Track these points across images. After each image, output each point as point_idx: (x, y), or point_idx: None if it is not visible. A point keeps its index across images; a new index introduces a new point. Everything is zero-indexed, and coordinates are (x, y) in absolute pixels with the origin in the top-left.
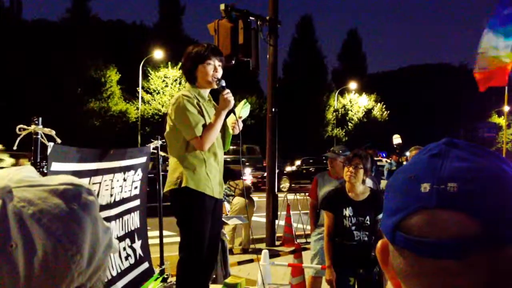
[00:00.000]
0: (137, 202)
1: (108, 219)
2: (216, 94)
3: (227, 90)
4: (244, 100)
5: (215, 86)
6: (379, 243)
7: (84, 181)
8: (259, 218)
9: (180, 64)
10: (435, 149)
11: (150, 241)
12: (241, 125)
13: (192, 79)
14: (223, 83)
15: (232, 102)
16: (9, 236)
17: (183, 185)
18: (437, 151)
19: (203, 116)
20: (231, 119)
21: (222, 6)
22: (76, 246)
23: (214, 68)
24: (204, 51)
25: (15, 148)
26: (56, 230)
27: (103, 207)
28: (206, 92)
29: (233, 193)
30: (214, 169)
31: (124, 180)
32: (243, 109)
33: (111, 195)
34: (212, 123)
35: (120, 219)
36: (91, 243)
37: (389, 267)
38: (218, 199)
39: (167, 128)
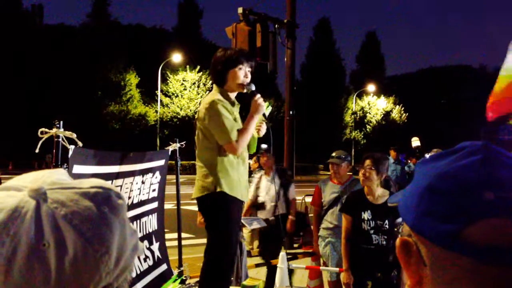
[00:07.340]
0: (155, 205)
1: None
2: (241, 98)
3: (258, 95)
4: (267, 103)
5: (244, 91)
6: (399, 242)
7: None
8: None
9: (198, 67)
10: (479, 153)
11: (169, 243)
12: (264, 127)
13: (221, 82)
14: (253, 87)
15: (264, 106)
16: (42, 236)
17: (218, 189)
18: (483, 156)
19: (235, 120)
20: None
21: (240, 10)
22: (105, 247)
23: (245, 73)
24: (236, 56)
25: (37, 151)
26: (87, 231)
27: None
28: (233, 96)
29: None
30: (243, 173)
31: (143, 182)
32: (266, 111)
33: (130, 198)
34: (246, 127)
35: (138, 221)
36: (119, 244)
37: (412, 266)
38: (243, 202)
39: (198, 132)
